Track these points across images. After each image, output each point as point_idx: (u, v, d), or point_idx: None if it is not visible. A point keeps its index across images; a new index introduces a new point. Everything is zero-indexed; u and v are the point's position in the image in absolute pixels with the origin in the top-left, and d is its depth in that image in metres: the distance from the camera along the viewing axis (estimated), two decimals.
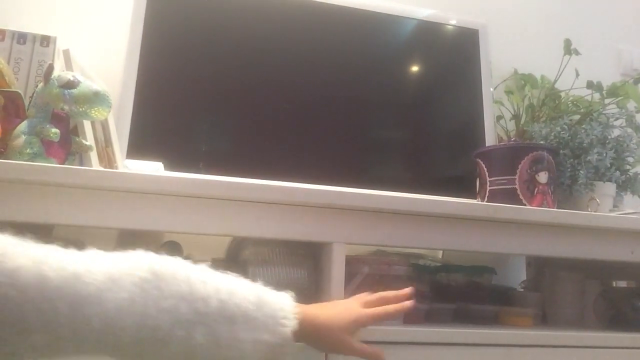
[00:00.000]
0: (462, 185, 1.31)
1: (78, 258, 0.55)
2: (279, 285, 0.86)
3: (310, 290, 0.92)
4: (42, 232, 1.15)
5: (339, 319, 0.73)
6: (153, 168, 0.89)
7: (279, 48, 1.29)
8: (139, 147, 1.12)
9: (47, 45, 1.02)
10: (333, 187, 0.89)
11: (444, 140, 1.40)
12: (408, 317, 0.96)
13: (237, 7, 1.27)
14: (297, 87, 1.28)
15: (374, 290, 0.85)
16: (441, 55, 1.44)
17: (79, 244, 1.20)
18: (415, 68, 1.41)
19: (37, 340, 0.50)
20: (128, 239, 1.24)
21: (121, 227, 1.03)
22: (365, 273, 0.93)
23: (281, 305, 0.65)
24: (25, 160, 0.78)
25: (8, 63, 0.96)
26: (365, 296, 0.82)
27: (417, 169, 1.35)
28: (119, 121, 1.11)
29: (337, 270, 0.88)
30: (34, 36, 1.02)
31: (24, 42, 1.01)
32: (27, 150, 0.79)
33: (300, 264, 0.93)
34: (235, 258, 0.97)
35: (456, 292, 1.11)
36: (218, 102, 1.22)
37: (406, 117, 1.38)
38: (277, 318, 0.63)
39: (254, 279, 0.89)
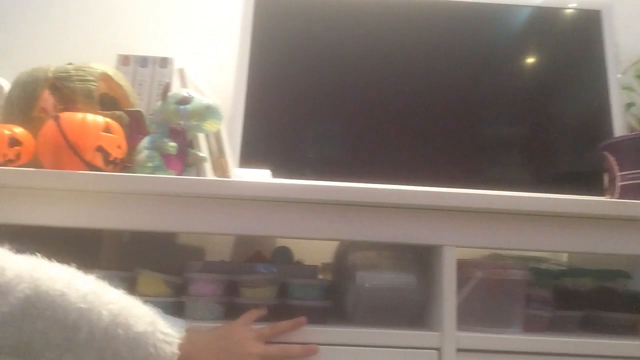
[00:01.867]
0: (589, 181, 1.19)
1: None
2: (387, 290, 0.85)
3: (419, 295, 0.89)
4: (166, 239, 1.24)
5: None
6: (261, 175, 0.92)
7: (386, 49, 1.27)
8: (250, 156, 1.16)
9: (166, 67, 1.10)
10: (444, 189, 0.86)
11: (567, 133, 1.29)
12: (528, 325, 0.89)
13: (340, 13, 1.28)
14: (406, 87, 1.26)
15: (489, 296, 0.80)
16: (561, 42, 1.33)
17: (199, 251, 1.29)
18: (532, 58, 1.32)
19: None
20: (243, 245, 1.30)
21: (234, 233, 1.08)
22: (479, 278, 0.88)
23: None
24: (147, 173, 0.85)
25: (132, 85, 1.05)
26: (260, 330, 0.79)
27: (537, 166, 1.26)
28: (231, 132, 1.16)
29: (448, 275, 0.85)
30: (154, 59, 1.11)
31: (146, 65, 1.10)
32: (149, 164, 0.86)
33: (409, 268, 0.90)
34: (343, 262, 0.97)
35: (584, 298, 1.01)
36: (324, 108, 1.24)
37: (524, 111, 1.29)
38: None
39: (361, 283, 0.89)
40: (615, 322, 0.95)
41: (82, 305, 0.57)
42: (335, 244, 1.10)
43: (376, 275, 0.89)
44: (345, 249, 1.00)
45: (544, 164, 1.26)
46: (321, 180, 0.98)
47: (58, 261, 0.88)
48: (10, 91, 0.93)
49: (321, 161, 1.21)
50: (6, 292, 0.55)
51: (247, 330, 0.78)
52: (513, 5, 1.32)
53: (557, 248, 0.91)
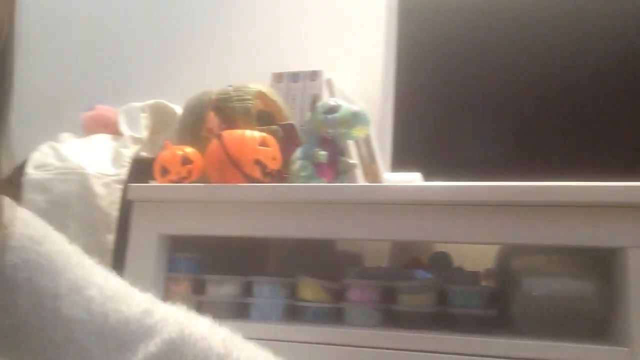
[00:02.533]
0: None
1: (131, 302, 0.58)
2: (559, 299, 0.77)
3: (598, 305, 0.79)
4: (326, 247, 1.27)
5: None
6: (411, 178, 0.90)
7: (540, 40, 1.17)
8: (401, 160, 1.15)
9: (315, 79, 1.14)
10: (623, 183, 0.75)
11: None
12: None
13: (487, 6, 1.21)
14: (566, 78, 1.14)
15: None
16: None
17: (358, 258, 1.30)
18: None
19: None
20: (400, 251, 1.28)
21: (388, 239, 1.07)
22: None
23: None
24: (300, 182, 0.88)
25: (286, 100, 1.10)
26: None
27: None
28: (380, 137, 1.16)
29: (635, 282, 0.73)
30: (305, 73, 1.15)
31: (297, 80, 1.14)
32: (302, 173, 0.89)
33: (584, 275, 0.80)
34: (506, 268, 0.90)
35: None
36: (476, 106, 1.17)
37: None
38: None
39: (528, 291, 0.81)
40: None
41: (221, 351, 0.57)
42: (497, 248, 1.03)
43: (546, 282, 0.81)
44: (509, 254, 0.92)
45: None
46: (478, 180, 0.92)
47: (228, 269, 0.95)
48: (182, 115, 1.04)
49: (477, 161, 1.14)
50: (153, 334, 0.57)
51: None
52: None
53: None
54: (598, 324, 0.80)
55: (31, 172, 1.10)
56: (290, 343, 0.83)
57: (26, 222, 0.56)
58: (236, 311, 0.93)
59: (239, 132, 0.92)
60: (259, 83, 1.05)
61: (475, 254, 1.08)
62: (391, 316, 0.87)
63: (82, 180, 1.08)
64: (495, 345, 0.76)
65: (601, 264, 0.81)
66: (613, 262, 0.78)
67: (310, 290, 0.90)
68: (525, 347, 0.76)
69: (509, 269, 0.88)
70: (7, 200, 0.56)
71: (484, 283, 1.02)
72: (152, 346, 0.55)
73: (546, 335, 0.78)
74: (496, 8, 1.20)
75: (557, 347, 0.74)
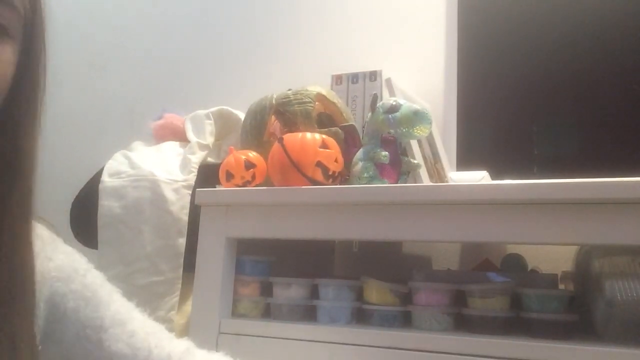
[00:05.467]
0: None
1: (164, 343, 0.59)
2: None
3: None
4: (393, 249, 1.25)
5: None
6: (477, 177, 0.86)
7: (609, 35, 1.09)
8: (467, 159, 1.11)
9: (375, 79, 1.12)
10: None
11: None
12: None
13: (546, 3, 1.15)
14: (636, 73, 1.06)
15: None
16: None
17: (425, 260, 1.27)
18: None
19: None
20: (470, 253, 1.23)
21: (455, 240, 1.03)
22: None
23: None
24: (363, 184, 0.87)
25: (346, 101, 1.09)
26: None
27: None
28: (445, 136, 1.12)
29: None
30: (364, 74, 1.14)
31: (357, 81, 1.13)
32: (364, 175, 0.87)
33: None
34: (586, 270, 0.84)
35: None
36: (543, 101, 1.12)
37: None
38: None
39: (611, 293, 0.76)
40: None
41: None
42: (574, 249, 0.96)
43: (630, 285, 0.74)
44: (589, 255, 0.86)
45: None
46: (546, 178, 0.88)
47: (295, 271, 0.95)
48: (244, 121, 1.05)
49: (548, 157, 1.08)
50: None
51: None
52: None
53: None
54: None
55: (106, 179, 1.16)
56: (357, 346, 0.82)
57: (70, 255, 0.58)
58: (303, 314, 0.93)
59: (299, 135, 0.92)
60: (318, 85, 1.05)
61: (551, 256, 1.03)
62: (462, 320, 0.84)
63: (153, 186, 1.12)
64: (576, 352, 0.71)
65: None
66: None
67: (377, 293, 0.88)
68: (609, 355, 0.70)
69: (589, 271, 0.83)
70: (50, 234, 0.58)
71: (561, 286, 0.96)
72: None
73: (632, 342, 0.72)
74: (559, 2, 1.14)
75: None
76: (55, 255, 0.56)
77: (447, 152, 1.10)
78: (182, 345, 0.60)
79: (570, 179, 0.74)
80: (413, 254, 1.27)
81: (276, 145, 0.92)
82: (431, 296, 0.85)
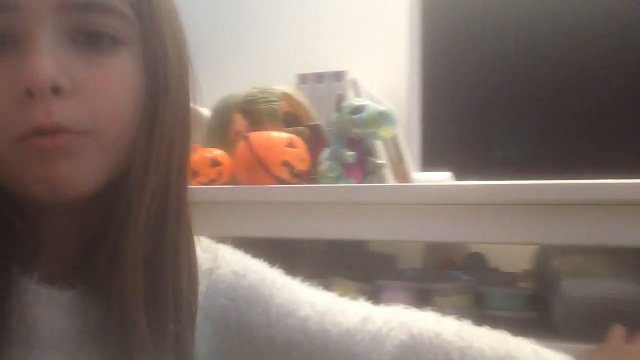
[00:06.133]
0: None
1: (347, 312, 0.55)
2: (602, 300, 0.73)
3: None
4: (359, 248, 1.26)
5: None
6: (441, 178, 0.88)
7: (570, 34, 1.13)
8: (430, 160, 1.13)
9: (340, 80, 1.12)
10: None
11: None
12: None
13: (510, 7, 1.18)
14: (600, 71, 1.10)
15: None
16: None
17: (391, 259, 1.28)
18: None
19: None
20: (434, 251, 1.25)
21: (418, 240, 1.05)
22: None
23: None
24: (329, 183, 0.87)
25: (311, 101, 1.09)
26: None
27: None
28: (409, 137, 1.14)
29: None
30: (329, 74, 1.13)
31: (322, 81, 1.13)
32: (330, 174, 0.87)
33: (627, 276, 0.76)
34: (545, 269, 0.87)
35: None
36: (506, 103, 1.14)
37: None
38: None
39: (569, 291, 0.78)
40: None
41: (460, 344, 0.53)
42: (533, 248, 0.99)
43: (587, 283, 0.77)
44: (547, 254, 0.89)
45: None
46: (508, 179, 0.90)
47: None
48: (210, 119, 1.04)
49: (508, 159, 1.11)
50: (383, 340, 0.53)
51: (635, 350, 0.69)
52: None
53: None
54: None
55: None
56: None
57: (227, 258, 0.55)
58: None
59: (265, 133, 0.91)
60: (284, 84, 1.04)
61: (511, 255, 1.05)
62: None
63: None
64: None
65: None
66: None
67: (343, 292, 0.88)
68: (567, 350, 0.72)
69: (547, 270, 0.85)
70: (207, 241, 0.56)
71: (521, 284, 0.98)
72: (386, 355, 0.52)
73: (589, 339, 0.74)
74: (523, 6, 1.17)
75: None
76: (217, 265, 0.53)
77: (411, 153, 1.11)
78: (359, 315, 0.55)
79: (528, 181, 0.76)
80: (378, 253, 1.28)
81: (242, 144, 0.91)
82: (396, 294, 0.86)
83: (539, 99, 1.12)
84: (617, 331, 0.68)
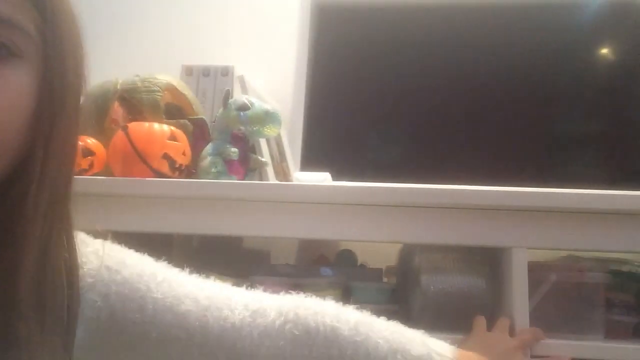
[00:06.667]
0: None
1: (235, 306, 0.55)
2: (454, 294, 0.82)
3: (489, 300, 0.86)
4: (232, 244, 1.26)
5: None
6: (320, 178, 0.92)
7: (449, 48, 1.24)
8: (311, 160, 1.17)
9: (227, 75, 1.13)
10: (512, 188, 0.82)
11: None
12: (610, 332, 0.83)
13: (399, 15, 1.26)
14: (472, 86, 1.22)
15: (565, 301, 0.75)
16: (635, 35, 1.24)
17: (265, 255, 1.30)
18: (606, 53, 1.24)
19: None
20: (307, 248, 1.30)
21: (296, 237, 1.09)
22: (553, 281, 0.83)
23: None
24: (210, 179, 0.87)
25: (196, 94, 1.08)
26: (523, 338, 0.75)
27: (613, 163, 1.18)
28: (291, 137, 1.17)
29: (518, 279, 0.80)
30: (216, 68, 1.13)
31: (208, 75, 1.13)
32: (212, 170, 0.88)
33: (477, 272, 0.87)
34: (408, 265, 0.95)
35: None
36: (385, 109, 1.22)
37: (598, 107, 1.22)
38: None
39: (427, 286, 0.87)
40: None
41: (356, 338, 0.53)
42: (398, 246, 1.08)
43: (442, 278, 0.86)
44: (410, 252, 0.98)
45: (621, 160, 1.18)
46: (384, 182, 0.97)
47: None
48: (83, 104, 0.98)
49: (383, 163, 1.19)
50: (273, 335, 0.53)
51: (510, 340, 0.75)
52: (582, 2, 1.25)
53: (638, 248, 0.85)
54: (489, 318, 0.87)
55: None
56: None
57: (99, 253, 0.53)
58: None
59: (146, 124, 0.88)
60: (168, 74, 1.02)
61: (378, 252, 1.13)
62: None
63: None
64: None
65: (492, 262, 0.88)
66: (501, 261, 0.86)
67: None
68: None
69: (410, 266, 0.93)
70: (81, 235, 0.53)
71: (386, 280, 1.06)
72: (276, 349, 0.52)
73: (442, 329, 0.83)
74: (408, 12, 1.26)
75: (450, 339, 0.79)
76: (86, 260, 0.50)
77: (293, 152, 1.14)
78: (249, 308, 0.54)
79: (395, 184, 0.83)
80: (253, 250, 1.30)
81: (120, 134, 0.87)
82: (270, 289, 0.88)
83: (413, 106, 1.21)
84: (480, 321, 0.78)
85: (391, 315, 0.85)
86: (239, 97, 0.93)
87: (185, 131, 0.94)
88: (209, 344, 0.52)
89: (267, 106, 0.91)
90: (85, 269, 0.51)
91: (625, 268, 1.01)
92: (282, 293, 0.87)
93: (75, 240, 0.51)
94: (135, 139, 0.86)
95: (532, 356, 0.77)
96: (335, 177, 1.03)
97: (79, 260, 0.51)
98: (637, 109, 1.21)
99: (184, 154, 0.90)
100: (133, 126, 0.88)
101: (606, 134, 1.20)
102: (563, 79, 1.22)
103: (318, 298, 0.60)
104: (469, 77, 1.22)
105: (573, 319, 0.82)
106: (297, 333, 0.53)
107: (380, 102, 1.22)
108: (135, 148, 0.85)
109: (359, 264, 1.16)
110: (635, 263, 1.04)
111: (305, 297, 0.59)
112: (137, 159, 0.85)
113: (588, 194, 0.82)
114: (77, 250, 0.50)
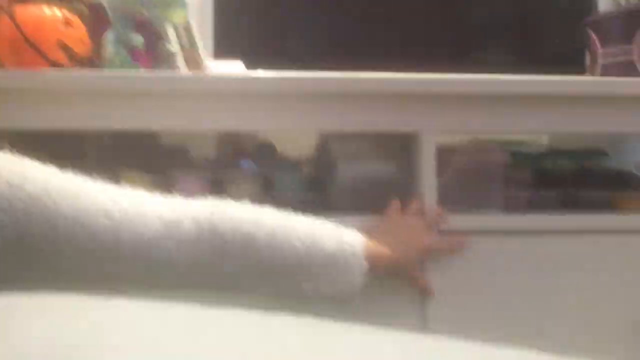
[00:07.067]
0: (571, 61, 1.17)
1: (150, 220, 0.55)
2: (368, 181, 0.85)
3: (400, 184, 0.90)
4: (147, 140, 1.21)
5: (404, 256, 0.74)
6: (232, 67, 0.89)
7: None
8: (224, 48, 1.11)
9: None
10: (422, 74, 0.84)
11: (550, 12, 1.25)
12: (509, 206, 0.91)
13: None
14: None
15: (468, 180, 0.81)
16: None
17: (184, 151, 1.27)
18: None
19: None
20: (226, 142, 1.28)
21: (212, 130, 1.06)
22: (460, 163, 0.89)
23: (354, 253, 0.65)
24: (114, 69, 0.81)
25: None
26: (428, 219, 0.81)
27: (519, 48, 1.23)
28: (201, 24, 1.10)
29: (427, 163, 0.84)
30: None
31: None
32: (115, 60, 0.81)
33: (389, 158, 0.90)
34: (325, 155, 0.97)
35: (563, 178, 1.03)
36: None
37: None
38: (351, 272, 0.64)
39: (343, 175, 0.90)
40: (594, 200, 0.97)
41: (273, 243, 0.56)
42: (317, 136, 1.09)
43: (357, 165, 0.89)
44: (326, 141, 0.99)
45: (526, 45, 1.23)
46: (298, 70, 0.96)
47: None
48: None
49: (297, 50, 1.16)
50: (192, 247, 0.54)
51: (417, 220, 0.79)
52: None
53: (537, 130, 0.91)
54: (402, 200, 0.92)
55: None
56: None
57: (1, 168, 0.47)
58: None
59: (35, 8, 0.79)
60: None
61: (297, 143, 1.14)
62: None
63: None
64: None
65: (403, 147, 0.92)
66: (411, 146, 0.89)
67: (135, 184, 0.86)
68: (342, 222, 0.84)
69: (326, 156, 0.95)
70: None
71: (304, 169, 1.08)
72: (192, 259, 0.53)
73: (358, 211, 0.88)
74: None
75: (367, 219, 0.84)
76: None
77: (203, 41, 1.08)
78: (163, 219, 0.54)
79: (310, 73, 0.82)
80: (170, 145, 1.26)
81: (4, 19, 0.77)
82: (191, 185, 0.87)
83: None
84: (394, 205, 0.82)
85: (310, 204, 0.89)
86: None
87: (81, 17, 0.85)
88: (125, 256, 0.53)
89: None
90: None
91: (522, 148, 1.09)
92: (200, 190, 0.87)
93: None
94: (25, 26, 0.77)
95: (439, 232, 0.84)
96: (250, 65, 0.99)
97: None
98: None
99: (82, 42, 0.82)
100: (21, 10, 0.78)
101: (511, 19, 1.24)
102: None
103: (236, 197, 0.61)
104: None
105: (476, 195, 0.89)
106: (213, 242, 0.55)
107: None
108: (25, 35, 0.76)
109: (277, 156, 1.16)
110: (534, 145, 1.12)
111: (222, 199, 0.60)
112: (29, 48, 0.77)
113: (489, 79, 0.85)
114: None
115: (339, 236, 0.65)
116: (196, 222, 0.56)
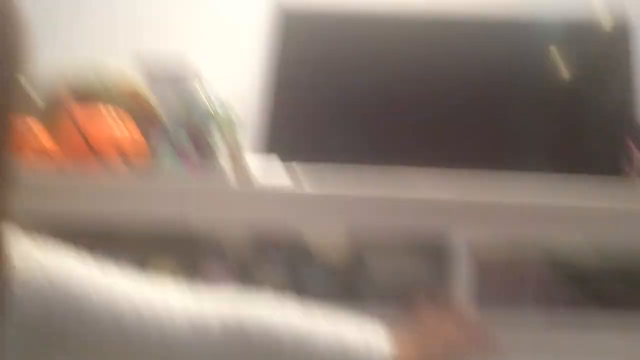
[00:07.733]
0: (610, 165, 1.14)
1: (176, 316, 0.56)
2: (399, 277, 0.81)
3: (432, 281, 0.87)
4: (177, 226, 1.22)
5: (433, 355, 0.70)
6: (270, 164, 0.92)
7: (412, 61, 1.24)
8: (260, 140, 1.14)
9: (186, 75, 1.10)
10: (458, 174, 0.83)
11: (590, 120, 1.24)
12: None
13: (360, 27, 1.27)
14: (429, 99, 1.24)
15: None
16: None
17: (212, 238, 1.22)
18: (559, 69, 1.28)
19: None
20: (258, 234, 1.27)
21: (244, 225, 1.05)
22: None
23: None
24: (163, 170, 0.87)
25: (149, 88, 1.05)
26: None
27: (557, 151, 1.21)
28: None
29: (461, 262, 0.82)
30: (174, 67, 1.12)
31: (167, 79, 1.10)
32: (165, 162, 0.89)
33: (420, 253, 0.88)
34: (355, 248, 0.96)
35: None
36: (347, 114, 1.22)
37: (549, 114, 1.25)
38: None
39: (373, 267, 0.87)
40: None
41: (299, 354, 0.57)
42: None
43: (389, 264, 0.87)
44: (357, 235, 0.97)
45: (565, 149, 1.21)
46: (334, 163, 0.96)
47: None
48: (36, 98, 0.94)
49: (333, 145, 1.17)
50: (219, 351, 0.55)
51: (448, 317, 0.76)
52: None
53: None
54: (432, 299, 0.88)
55: None
56: None
57: (39, 259, 0.50)
58: None
59: (94, 109, 0.87)
60: (125, 68, 1.00)
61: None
62: None
63: None
64: None
65: (436, 246, 0.89)
66: (445, 246, 0.86)
67: (164, 270, 0.88)
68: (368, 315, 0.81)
69: (357, 249, 0.93)
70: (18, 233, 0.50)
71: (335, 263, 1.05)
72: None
73: (388, 305, 0.84)
74: (371, 22, 1.27)
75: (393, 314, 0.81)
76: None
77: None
78: (188, 323, 0.54)
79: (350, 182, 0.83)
80: (200, 232, 1.27)
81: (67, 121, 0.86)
82: (218, 273, 0.89)
83: (374, 114, 1.22)
84: (425, 301, 0.78)
85: (339, 299, 0.86)
86: (198, 97, 0.93)
87: (134, 116, 0.92)
88: (150, 353, 0.53)
89: (227, 109, 0.92)
90: (26, 277, 0.49)
91: (563, 260, 1.03)
92: (228, 278, 0.88)
93: (11, 238, 0.48)
94: (85, 127, 0.85)
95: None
96: (284, 158, 1.02)
97: (16, 263, 0.49)
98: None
99: (134, 142, 0.89)
100: (82, 114, 0.87)
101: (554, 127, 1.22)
102: (516, 97, 1.24)
103: (262, 287, 0.62)
104: (428, 91, 1.23)
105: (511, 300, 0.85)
106: (242, 347, 0.56)
107: (344, 105, 1.22)
108: (85, 136, 0.84)
109: (308, 249, 1.15)
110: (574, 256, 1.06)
111: (248, 289, 0.61)
112: (86, 148, 0.84)
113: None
114: (14, 250, 0.48)
115: (366, 342, 0.63)
116: (224, 326, 0.56)
